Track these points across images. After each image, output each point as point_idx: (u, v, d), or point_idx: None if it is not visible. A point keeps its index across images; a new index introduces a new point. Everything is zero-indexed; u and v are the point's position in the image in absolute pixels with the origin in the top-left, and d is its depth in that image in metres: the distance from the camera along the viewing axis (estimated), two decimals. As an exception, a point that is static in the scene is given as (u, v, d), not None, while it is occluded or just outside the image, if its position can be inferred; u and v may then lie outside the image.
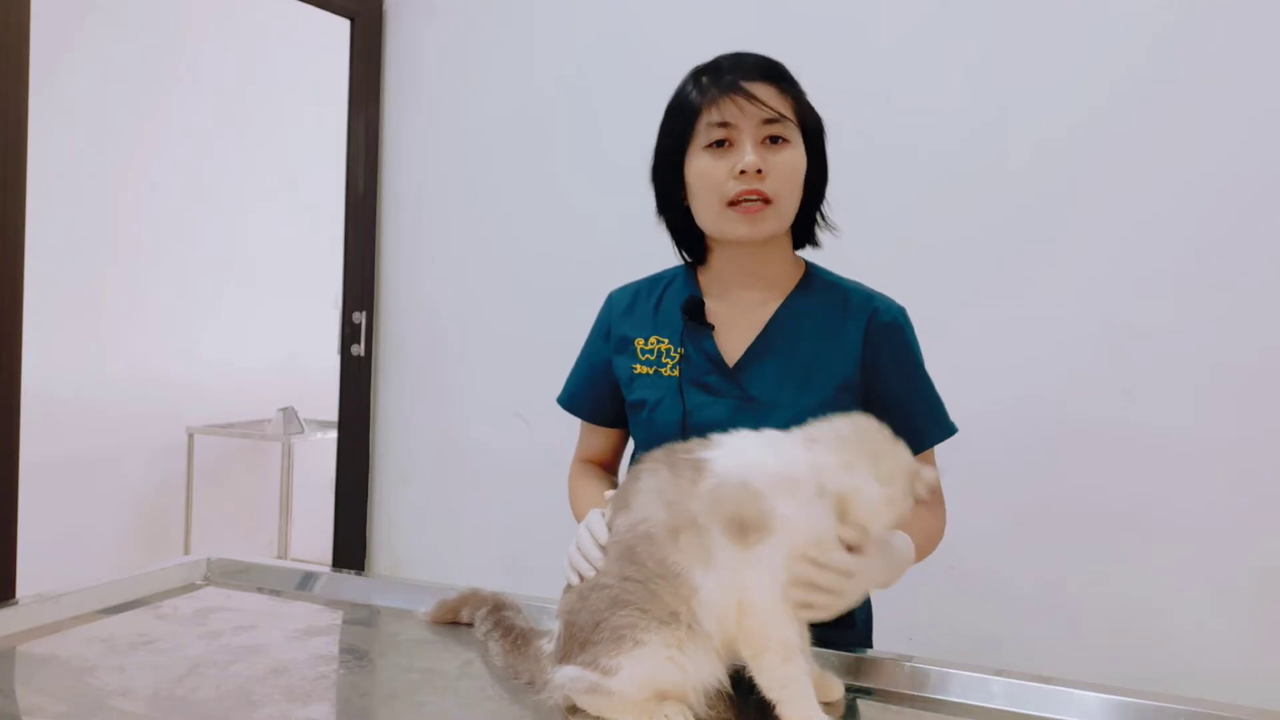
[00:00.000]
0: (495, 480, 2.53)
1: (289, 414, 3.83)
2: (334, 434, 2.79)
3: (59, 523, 3.16)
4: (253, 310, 3.97)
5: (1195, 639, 1.77)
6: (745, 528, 0.85)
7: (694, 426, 1.14)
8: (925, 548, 1.13)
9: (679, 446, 0.95)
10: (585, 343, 1.34)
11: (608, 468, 1.35)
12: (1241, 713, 0.94)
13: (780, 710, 0.86)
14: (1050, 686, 0.99)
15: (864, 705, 0.98)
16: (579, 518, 1.25)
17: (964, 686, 1.01)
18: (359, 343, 2.71)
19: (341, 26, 2.67)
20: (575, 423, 2.49)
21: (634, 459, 1.28)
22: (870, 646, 1.19)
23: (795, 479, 0.87)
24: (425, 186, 2.65)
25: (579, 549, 0.96)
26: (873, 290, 1.23)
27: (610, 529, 0.95)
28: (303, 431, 3.83)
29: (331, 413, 2.85)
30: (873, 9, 2.04)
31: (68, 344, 3.31)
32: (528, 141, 2.47)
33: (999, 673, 1.02)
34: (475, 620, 1.15)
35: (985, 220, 1.94)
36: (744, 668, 0.89)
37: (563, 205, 2.42)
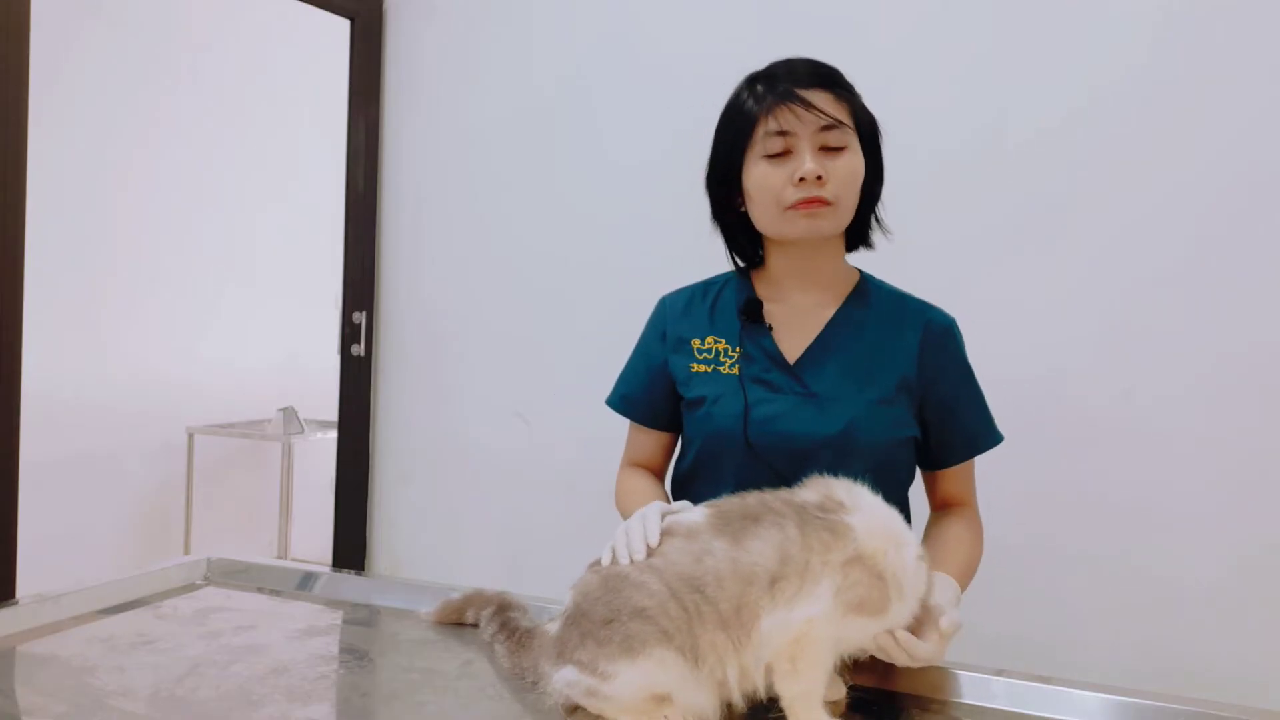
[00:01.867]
0: (495, 480, 2.53)
1: (289, 414, 3.83)
2: (334, 434, 2.79)
3: (59, 523, 3.16)
4: (253, 310, 3.97)
5: (1195, 638, 1.77)
6: (864, 607, 0.86)
7: (755, 421, 1.16)
8: (966, 581, 1.15)
9: (808, 501, 0.91)
10: (637, 346, 1.35)
11: (656, 473, 1.35)
12: (1241, 713, 0.94)
13: (790, 714, 0.87)
14: (1050, 686, 0.99)
15: (865, 705, 0.98)
16: (626, 514, 1.25)
17: (964, 686, 1.01)
18: (359, 343, 2.71)
19: (341, 26, 2.67)
20: (575, 425, 2.49)
21: (684, 457, 1.28)
22: None
23: (905, 582, 0.88)
24: (425, 186, 2.65)
25: (626, 536, 0.94)
26: (924, 300, 1.25)
27: (702, 544, 0.90)
28: (303, 431, 3.83)
29: (331, 413, 2.85)
30: (873, 9, 2.04)
31: (68, 344, 3.31)
32: (528, 141, 2.47)
33: (999, 673, 1.02)
34: (480, 621, 1.15)
35: (984, 220, 1.94)
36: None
37: (563, 205, 2.42)
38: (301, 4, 2.54)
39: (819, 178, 1.11)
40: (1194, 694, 1.01)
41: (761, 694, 0.88)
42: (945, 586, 1.05)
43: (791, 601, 0.85)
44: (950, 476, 1.24)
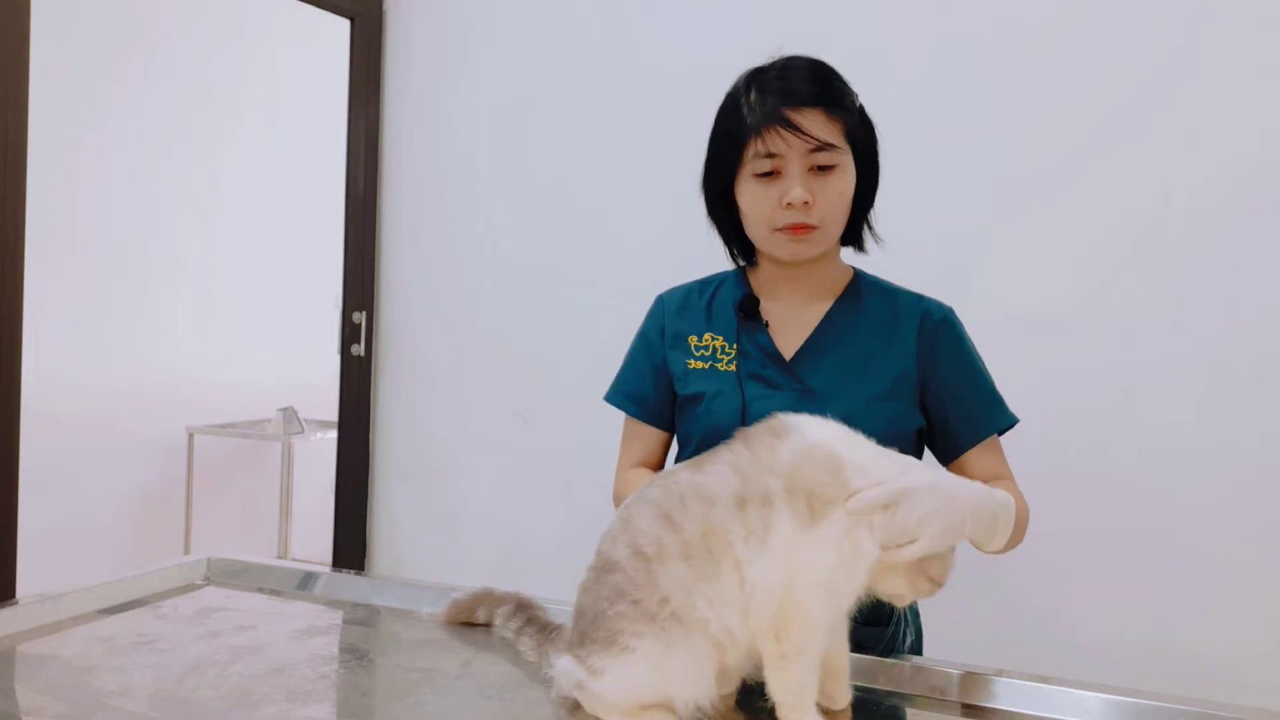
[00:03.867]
0: (495, 480, 2.53)
1: (289, 414, 3.83)
2: (334, 434, 2.79)
3: (59, 522, 3.16)
4: (253, 310, 3.98)
5: (1196, 638, 1.77)
6: (814, 501, 0.86)
7: (753, 417, 1.15)
8: (1022, 522, 1.09)
9: (760, 426, 0.94)
10: (635, 341, 1.35)
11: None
12: (1241, 713, 0.94)
13: (780, 714, 0.87)
14: (1050, 686, 0.99)
15: (865, 705, 0.98)
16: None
17: (964, 686, 1.01)
18: (359, 343, 2.71)
19: (341, 26, 2.67)
20: (573, 424, 2.48)
21: (681, 455, 1.28)
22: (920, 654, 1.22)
23: (867, 466, 0.89)
24: (425, 186, 2.65)
25: None
26: (919, 293, 1.25)
27: (672, 477, 0.93)
28: (303, 431, 3.83)
29: (331, 413, 2.85)
30: (865, 23, 2.04)
31: (68, 343, 3.31)
32: (528, 141, 2.47)
33: (999, 673, 1.02)
34: (496, 619, 1.15)
35: (983, 220, 1.94)
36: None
37: (563, 205, 2.42)
38: (301, 4, 2.54)
39: (806, 203, 1.11)
40: (1194, 693, 1.00)
41: (737, 631, 0.86)
42: (1001, 500, 0.99)
43: (765, 535, 0.85)
44: (972, 463, 1.23)
